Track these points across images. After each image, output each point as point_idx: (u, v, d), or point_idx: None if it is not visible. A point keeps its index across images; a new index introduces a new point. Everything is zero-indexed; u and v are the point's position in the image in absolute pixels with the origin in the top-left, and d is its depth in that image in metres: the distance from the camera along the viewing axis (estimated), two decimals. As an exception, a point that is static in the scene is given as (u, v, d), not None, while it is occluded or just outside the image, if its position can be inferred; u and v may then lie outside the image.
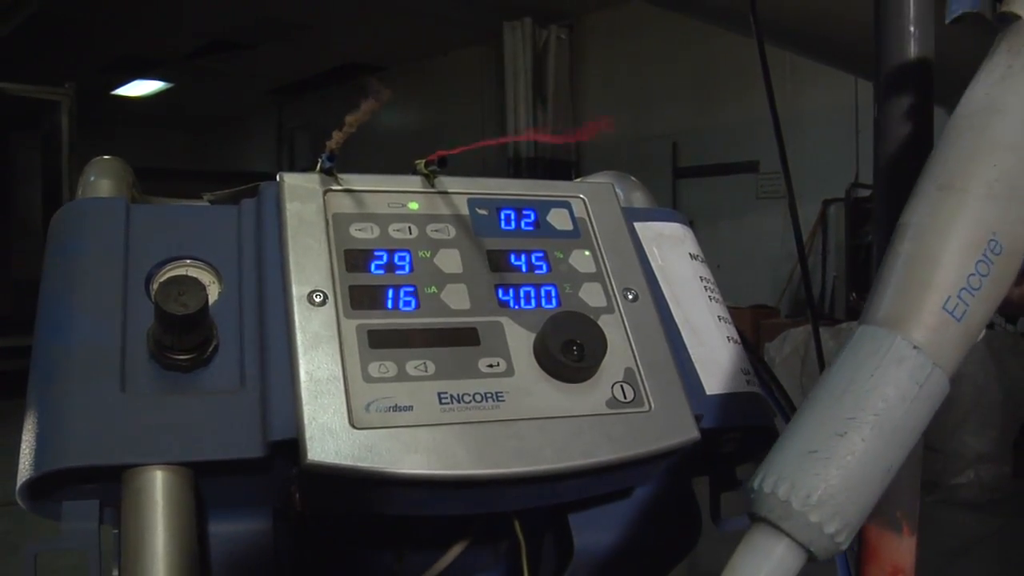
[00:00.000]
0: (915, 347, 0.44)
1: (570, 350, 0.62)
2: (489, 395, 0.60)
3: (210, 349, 0.59)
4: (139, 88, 11.25)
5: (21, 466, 0.55)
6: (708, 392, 0.68)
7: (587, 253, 0.70)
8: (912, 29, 0.76)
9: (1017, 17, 0.51)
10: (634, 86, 7.89)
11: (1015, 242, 0.47)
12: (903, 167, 0.77)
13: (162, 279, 0.61)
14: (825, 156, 6.29)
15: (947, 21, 0.55)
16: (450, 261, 0.66)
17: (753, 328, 5.58)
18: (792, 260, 6.58)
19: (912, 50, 0.77)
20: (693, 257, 0.77)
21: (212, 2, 7.73)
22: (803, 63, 4.80)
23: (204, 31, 8.73)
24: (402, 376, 0.59)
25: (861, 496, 0.42)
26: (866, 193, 5.98)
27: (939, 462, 3.87)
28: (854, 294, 6.04)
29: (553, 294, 0.67)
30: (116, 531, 0.57)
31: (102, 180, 0.68)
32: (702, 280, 0.75)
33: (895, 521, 0.74)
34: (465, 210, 0.70)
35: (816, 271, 6.62)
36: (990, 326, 4.42)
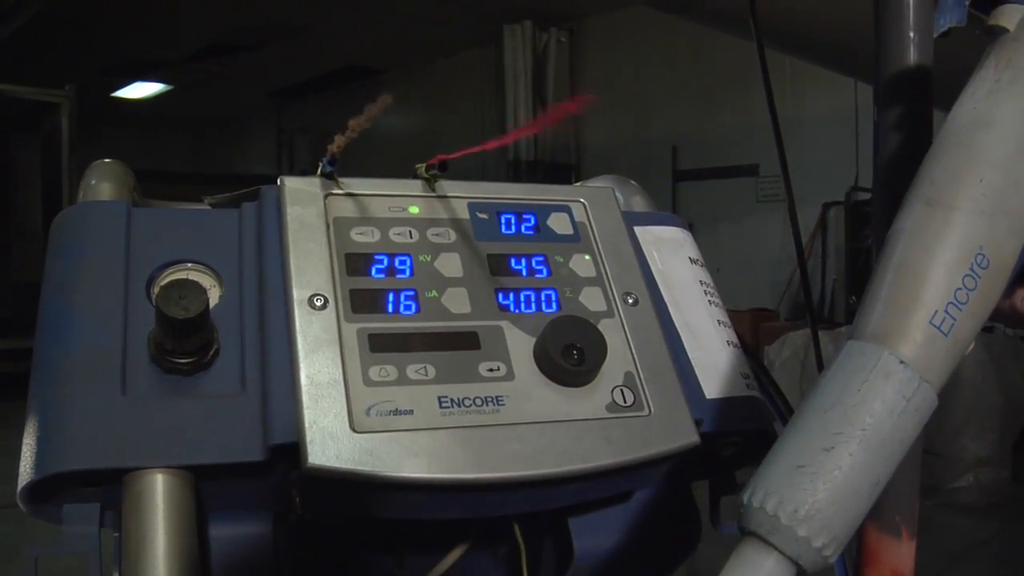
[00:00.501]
0: (902, 362, 0.45)
1: (570, 354, 0.62)
2: (489, 399, 0.60)
3: (211, 353, 0.59)
4: (139, 90, 11.26)
5: (22, 469, 0.55)
6: (708, 396, 0.68)
7: (587, 257, 0.70)
8: (911, 34, 0.77)
9: (1005, 30, 0.51)
10: (634, 89, 7.90)
11: (1002, 256, 0.47)
12: (902, 173, 0.77)
13: (163, 283, 0.61)
14: (825, 159, 6.29)
15: (935, 35, 0.56)
16: (450, 265, 0.67)
17: (753, 331, 5.59)
18: (792, 263, 6.58)
19: (912, 56, 0.77)
20: (693, 261, 0.77)
21: (212, 5, 7.74)
22: (803, 66, 4.81)
23: (204, 34, 8.74)
24: (402, 380, 0.60)
25: (849, 510, 0.43)
26: (866, 196, 5.98)
27: (938, 466, 3.87)
28: (854, 297, 6.04)
29: (553, 298, 0.67)
30: (117, 534, 0.57)
31: (103, 183, 0.68)
32: (702, 284, 0.75)
33: (894, 525, 0.75)
34: (465, 214, 0.70)
35: (816, 274, 6.63)
36: (990, 330, 4.42)
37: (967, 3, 0.53)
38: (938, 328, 0.45)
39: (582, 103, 0.68)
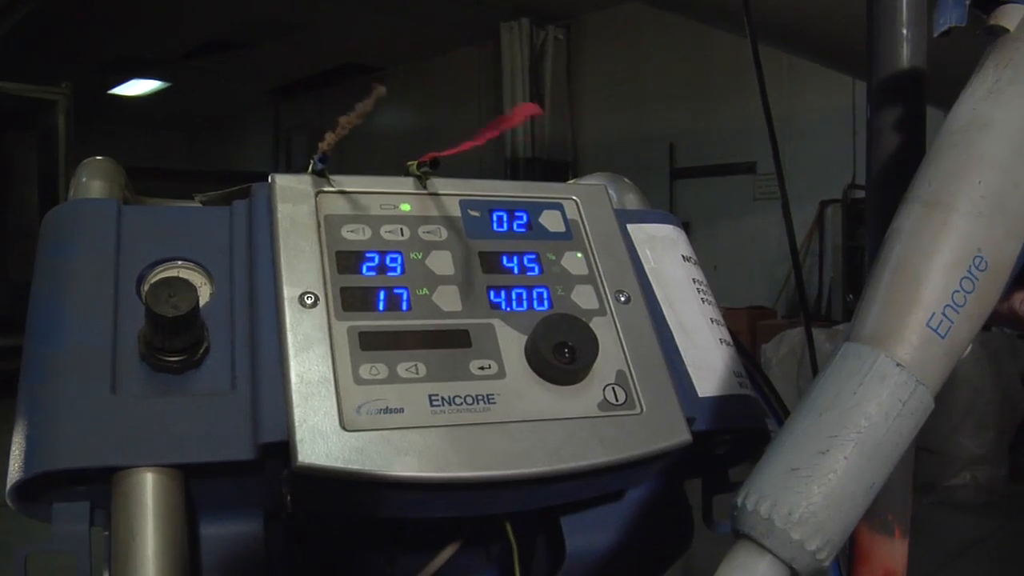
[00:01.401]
0: (898, 364, 0.44)
1: (561, 352, 0.62)
2: (480, 397, 0.60)
3: (201, 351, 0.59)
4: (136, 87, 11.24)
5: (11, 468, 0.55)
6: (700, 394, 0.68)
7: (579, 255, 0.70)
8: (905, 33, 0.77)
9: (1005, 30, 0.51)
10: (631, 87, 7.89)
11: (1000, 259, 0.47)
12: (895, 174, 0.77)
13: (153, 281, 0.61)
14: (822, 157, 6.30)
15: (935, 35, 0.55)
16: (442, 263, 0.66)
17: (750, 329, 5.59)
18: (790, 261, 6.57)
19: (905, 57, 0.77)
20: (686, 259, 0.77)
21: (210, 1, 7.73)
22: (800, 63, 4.81)
23: (201, 30, 8.73)
24: (393, 378, 0.59)
25: (843, 513, 0.43)
26: (863, 194, 5.98)
27: (935, 464, 3.88)
28: (851, 295, 6.06)
29: (545, 296, 0.67)
30: (107, 533, 0.57)
31: (94, 181, 0.68)
32: (695, 282, 0.75)
33: (887, 524, 0.75)
34: (457, 212, 0.70)
35: (813, 272, 6.63)
36: (987, 328, 4.42)
37: (967, 2, 0.53)
38: (935, 331, 0.45)
39: (529, 111, 0.66)
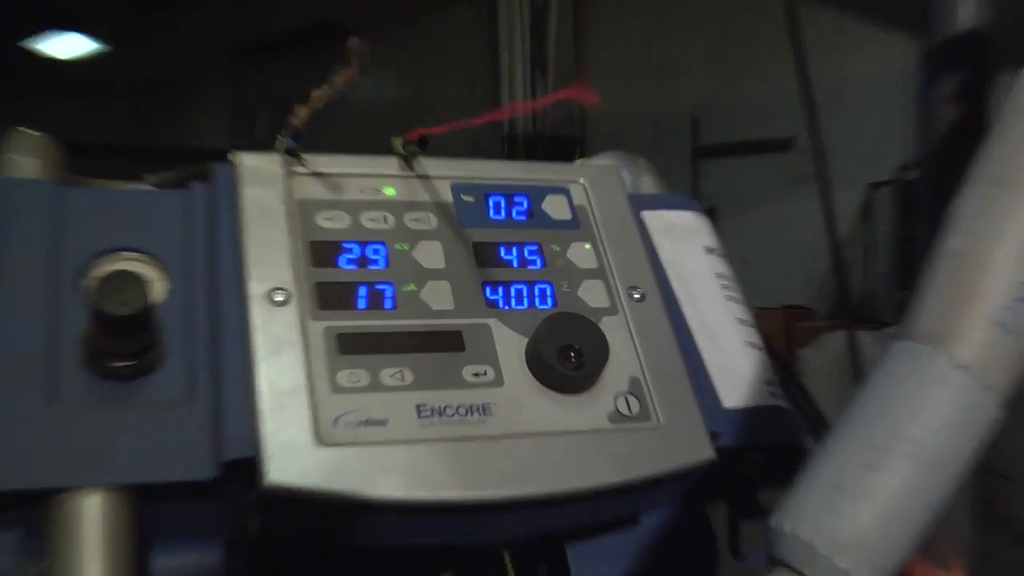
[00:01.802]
0: (960, 366, 0.44)
1: (567, 357, 0.62)
2: (475, 408, 0.61)
3: (153, 355, 0.60)
4: (67, 47, 11.12)
5: None
6: (725, 405, 0.69)
7: (587, 246, 0.71)
8: (965, -12, 0.77)
9: None
10: (648, 53, 7.89)
11: None
12: (953, 151, 0.78)
13: (98, 274, 0.62)
14: (872, 132, 6.29)
15: None
16: (431, 255, 0.67)
17: (786, 331, 5.59)
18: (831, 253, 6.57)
19: (966, 13, 0.78)
20: (709, 251, 0.78)
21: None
22: (849, 24, 4.81)
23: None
24: (376, 386, 0.60)
25: (896, 539, 0.42)
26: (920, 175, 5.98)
27: (1008, 491, 3.88)
28: (904, 292, 6.06)
29: (548, 293, 0.68)
30: (45, 564, 0.58)
31: (24, 158, 0.68)
32: (719, 277, 0.76)
33: (939, 556, 0.75)
34: (449, 197, 0.71)
35: (860, 267, 6.64)
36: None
37: None
38: (1002, 326, 0.45)
39: (586, 95, 0.68)
